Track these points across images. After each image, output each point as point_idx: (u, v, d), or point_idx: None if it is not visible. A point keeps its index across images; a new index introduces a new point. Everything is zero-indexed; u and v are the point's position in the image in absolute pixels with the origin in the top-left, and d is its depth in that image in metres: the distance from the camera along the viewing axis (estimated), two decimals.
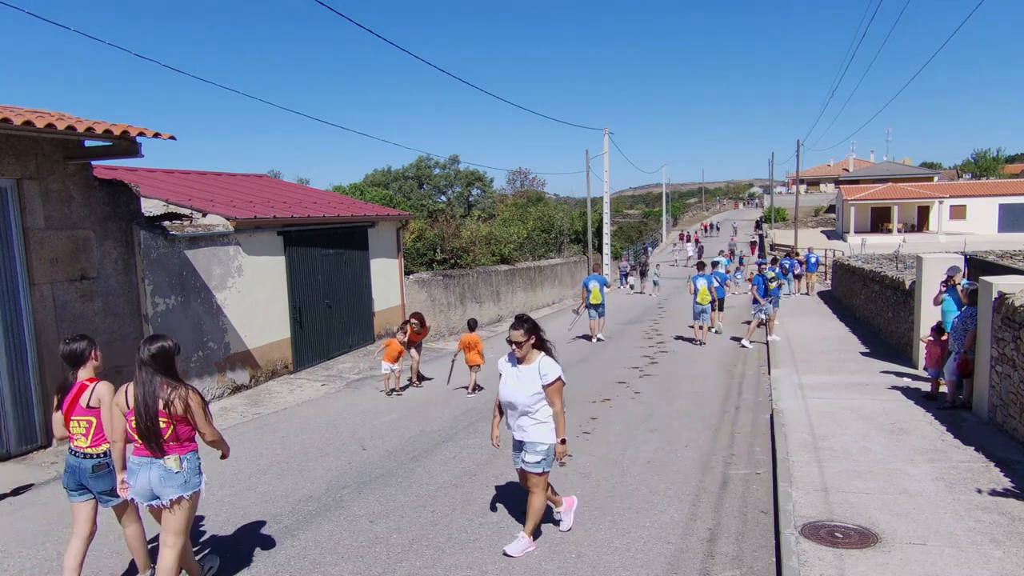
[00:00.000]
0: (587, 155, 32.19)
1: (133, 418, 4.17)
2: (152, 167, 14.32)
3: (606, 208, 32.43)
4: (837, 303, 21.65)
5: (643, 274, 31.73)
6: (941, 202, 44.89)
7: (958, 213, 45.99)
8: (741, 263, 34.47)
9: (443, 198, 46.14)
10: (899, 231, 45.01)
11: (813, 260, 26.84)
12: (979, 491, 5.92)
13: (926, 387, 9.62)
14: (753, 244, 48.56)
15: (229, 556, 5.28)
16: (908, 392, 9.63)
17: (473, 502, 6.28)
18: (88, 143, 8.57)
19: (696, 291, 15.01)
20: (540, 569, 4.98)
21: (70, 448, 4.52)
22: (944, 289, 9.80)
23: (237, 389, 11.25)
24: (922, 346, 10.49)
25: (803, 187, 67.51)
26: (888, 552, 4.88)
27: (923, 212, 47.31)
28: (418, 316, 11.68)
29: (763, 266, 16.16)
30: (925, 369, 9.94)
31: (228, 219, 11.29)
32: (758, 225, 63.80)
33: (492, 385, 11.29)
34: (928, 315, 10.76)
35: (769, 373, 11.52)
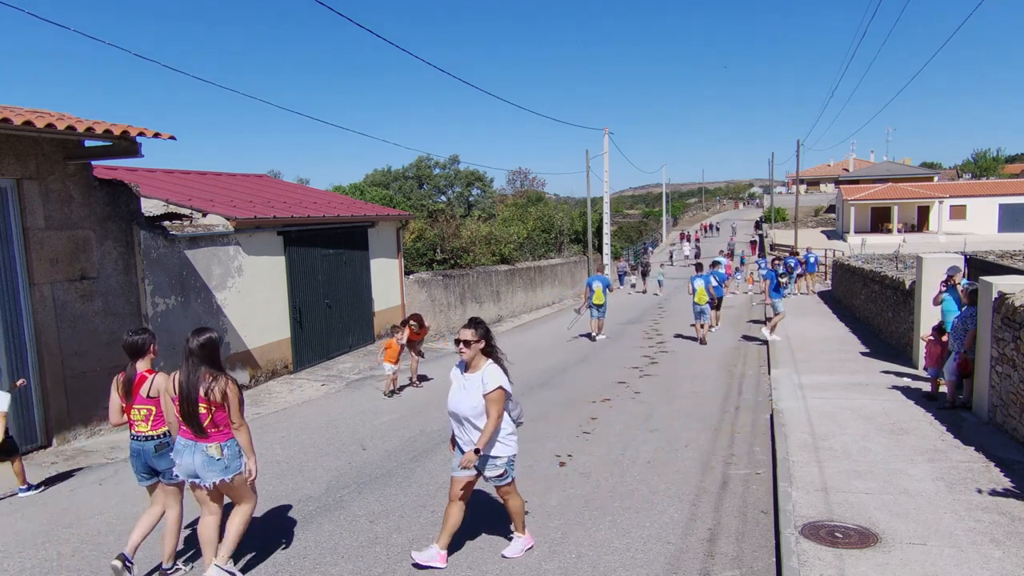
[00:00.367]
0: (587, 155, 32.21)
1: (177, 402, 4.59)
2: (152, 167, 14.33)
3: (606, 208, 32.43)
4: (837, 303, 21.64)
5: (644, 273, 31.77)
6: (941, 202, 44.89)
7: (958, 213, 45.99)
8: (741, 263, 34.48)
9: (443, 198, 46.14)
10: (899, 231, 45.01)
11: (812, 260, 26.84)
12: (979, 491, 5.92)
13: (926, 387, 9.62)
14: (753, 244, 48.57)
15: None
16: (908, 392, 9.63)
17: (473, 502, 6.27)
18: (88, 143, 8.57)
19: (694, 291, 15.29)
20: (540, 569, 4.98)
21: (132, 434, 4.95)
22: (944, 289, 9.80)
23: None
24: (922, 346, 10.49)
25: (803, 187, 67.51)
26: (888, 552, 4.88)
27: (923, 212, 47.31)
28: (417, 317, 11.68)
29: (776, 262, 16.25)
30: (925, 369, 9.94)
31: (228, 219, 11.29)
32: (758, 225, 63.81)
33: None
34: (928, 315, 10.76)
35: (769, 373, 11.52)
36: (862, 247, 38.10)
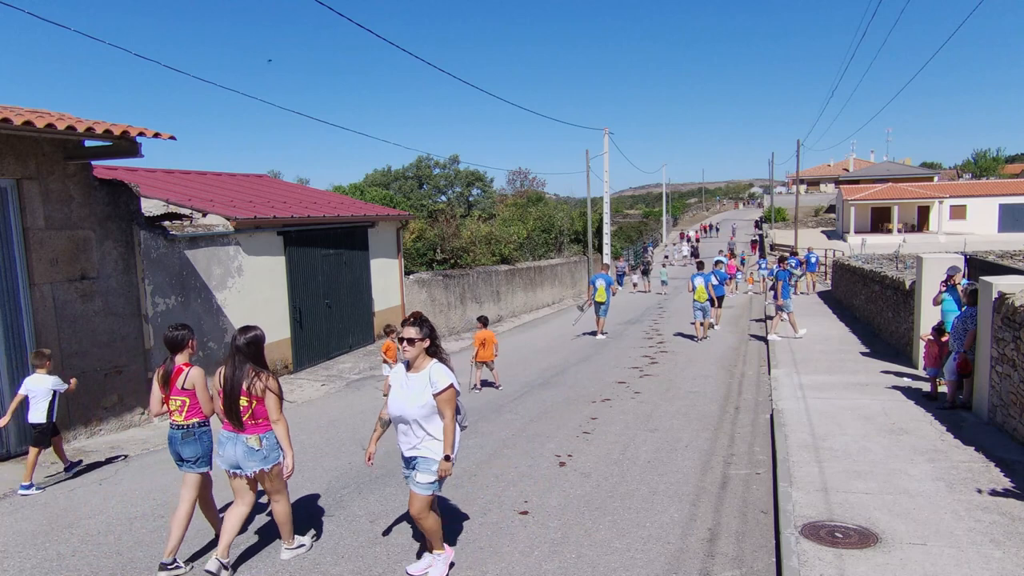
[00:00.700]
0: (587, 155, 32.20)
1: (222, 396, 4.88)
2: (152, 167, 14.34)
3: (606, 208, 32.43)
4: (837, 303, 21.64)
5: (645, 273, 31.81)
6: (941, 202, 44.90)
7: (958, 213, 46.00)
8: (741, 263, 34.47)
9: (443, 198, 46.13)
10: (899, 231, 45.02)
11: (813, 260, 26.85)
12: (979, 491, 5.92)
13: (926, 387, 9.62)
14: (754, 243, 48.57)
15: (229, 554, 5.27)
16: (908, 392, 9.63)
17: (473, 502, 6.28)
18: (88, 143, 8.57)
19: (694, 289, 15.56)
20: (540, 569, 4.98)
21: (170, 423, 5.21)
22: (944, 289, 9.80)
23: None
24: (922, 346, 10.49)
25: (803, 187, 67.52)
26: (888, 552, 4.88)
27: (923, 212, 47.32)
28: (417, 316, 11.68)
29: (785, 262, 16.50)
30: (925, 369, 9.94)
31: (228, 219, 11.30)
32: (758, 225, 63.82)
33: (501, 385, 11.29)
34: (928, 315, 10.76)
35: (769, 373, 11.52)
36: (862, 247, 38.11)
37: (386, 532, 5.62)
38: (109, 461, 7.89)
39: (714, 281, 16.21)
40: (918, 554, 4.84)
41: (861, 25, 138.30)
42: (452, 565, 4.99)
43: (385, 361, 11.01)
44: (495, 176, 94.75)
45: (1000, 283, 8.04)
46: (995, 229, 44.73)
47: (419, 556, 5.06)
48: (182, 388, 5.14)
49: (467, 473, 7.10)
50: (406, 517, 5.98)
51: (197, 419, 5.16)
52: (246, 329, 5.02)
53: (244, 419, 4.85)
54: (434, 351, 4.73)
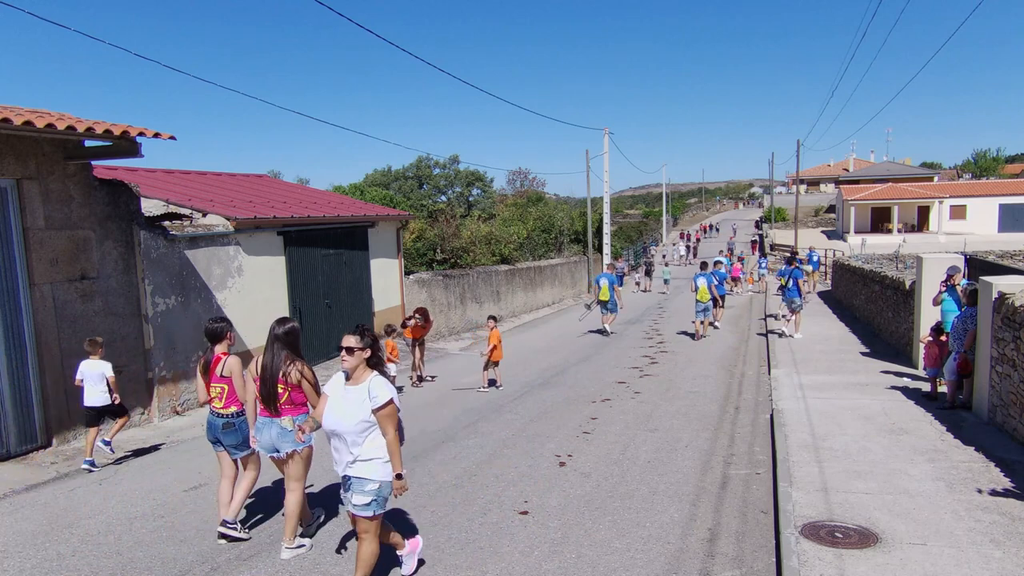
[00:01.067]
0: (587, 155, 32.19)
1: (259, 383, 5.13)
2: (152, 167, 14.33)
3: (606, 208, 32.43)
4: (837, 303, 21.64)
5: (647, 272, 31.85)
6: (941, 202, 44.89)
7: (958, 213, 45.99)
8: (740, 262, 34.45)
9: (443, 198, 46.10)
10: (899, 231, 45.01)
11: (815, 259, 26.87)
12: (979, 491, 5.92)
13: (926, 387, 9.62)
14: (754, 243, 48.55)
15: (229, 555, 5.28)
16: (908, 392, 9.63)
17: (473, 502, 6.28)
18: (88, 143, 8.57)
19: (696, 289, 15.86)
20: (540, 569, 4.98)
21: (210, 409, 5.54)
22: (944, 289, 9.81)
23: None
24: (922, 347, 10.49)
25: (803, 187, 67.51)
26: (888, 552, 4.88)
27: (923, 212, 47.31)
28: (422, 311, 11.68)
29: (795, 261, 16.73)
30: (924, 369, 9.95)
31: (228, 219, 11.29)
32: (758, 225, 63.83)
33: (502, 384, 11.29)
34: (928, 315, 10.76)
35: (769, 373, 11.52)
36: (862, 247, 38.10)
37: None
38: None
39: (714, 281, 16.57)
40: (918, 554, 4.84)
41: (861, 25, 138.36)
42: (421, 563, 4.98)
43: (390, 360, 11.03)
44: (495, 176, 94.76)
45: (1000, 283, 8.05)
46: (995, 229, 44.72)
47: (401, 563, 4.94)
48: (220, 376, 5.50)
49: (467, 473, 7.10)
50: (401, 521, 5.98)
51: (235, 408, 5.49)
52: (284, 320, 5.30)
53: (280, 404, 5.13)
54: (375, 363, 4.42)
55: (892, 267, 20.61)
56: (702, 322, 15.93)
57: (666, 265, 32.78)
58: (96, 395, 7.49)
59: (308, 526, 5.59)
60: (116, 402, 7.63)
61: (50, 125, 7.25)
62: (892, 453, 7.02)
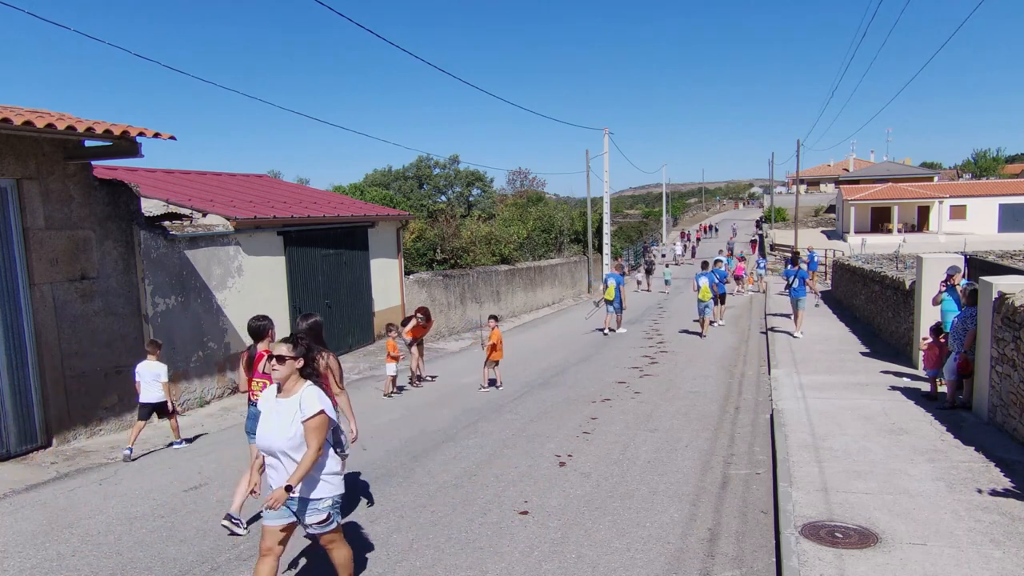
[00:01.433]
0: (587, 155, 32.20)
1: None
2: (152, 167, 14.34)
3: (606, 208, 32.43)
4: (837, 303, 21.64)
5: (648, 272, 31.88)
6: (941, 202, 44.90)
7: (958, 213, 45.99)
8: (743, 261, 34.43)
9: (443, 198, 46.11)
10: (899, 231, 45.01)
11: (815, 259, 26.88)
12: (979, 491, 5.92)
13: (926, 387, 9.62)
14: (753, 243, 48.56)
15: (229, 555, 5.28)
16: (908, 392, 9.63)
17: (473, 502, 6.28)
18: (88, 143, 8.57)
19: (698, 288, 16.14)
20: (540, 569, 4.98)
21: (250, 402, 5.87)
22: (944, 289, 9.81)
23: (237, 389, 11.25)
24: (921, 349, 10.49)
25: (803, 187, 67.51)
26: (888, 552, 4.88)
27: (923, 212, 47.31)
28: (424, 310, 11.69)
29: (799, 261, 16.95)
30: (924, 370, 9.95)
31: (228, 219, 11.30)
32: (758, 225, 63.85)
33: (502, 384, 11.29)
34: (928, 315, 10.76)
35: (769, 373, 11.52)
36: (862, 247, 38.11)
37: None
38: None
39: (715, 280, 16.91)
40: (918, 554, 4.84)
41: (861, 25, 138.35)
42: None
43: (391, 358, 11.04)
44: (495, 176, 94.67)
45: (1000, 283, 8.04)
46: (995, 229, 44.73)
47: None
48: (263, 372, 5.73)
49: (467, 473, 7.10)
50: (405, 517, 5.98)
51: None
52: (308, 315, 5.69)
53: None
54: (309, 373, 4.17)
55: (892, 267, 20.61)
56: (704, 321, 16.29)
57: (667, 265, 32.83)
58: (151, 393, 8.00)
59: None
60: (168, 404, 8.17)
61: (50, 125, 7.25)
62: (892, 453, 7.02)
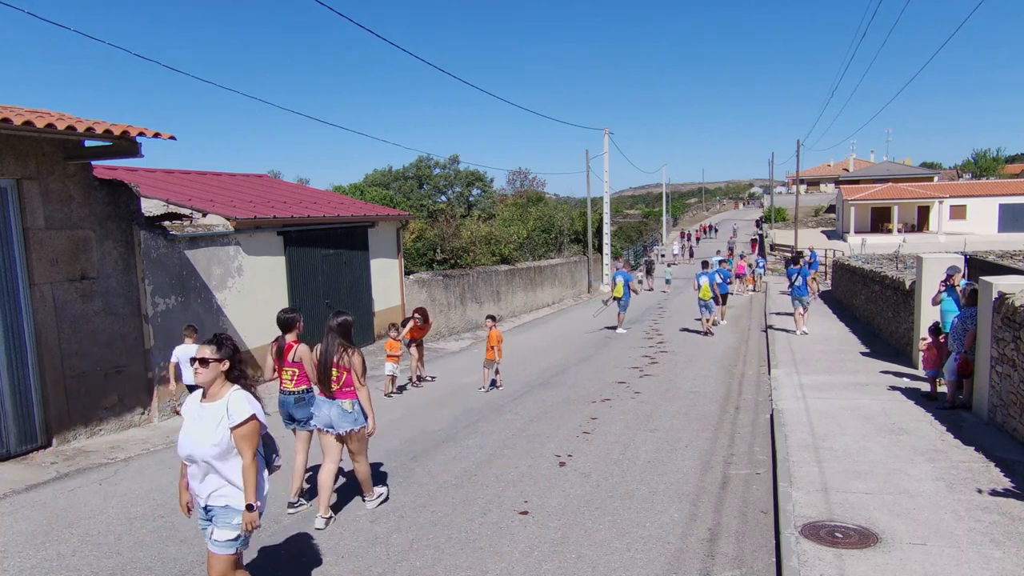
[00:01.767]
0: (587, 155, 32.20)
1: (316, 367, 5.80)
2: (152, 167, 14.33)
3: (606, 208, 32.43)
4: (837, 303, 21.64)
5: (648, 271, 31.89)
6: (941, 202, 44.88)
7: (958, 213, 45.97)
8: (743, 260, 34.42)
9: (443, 198, 46.09)
10: (899, 231, 44.99)
11: (815, 261, 26.87)
12: (979, 491, 5.92)
13: (926, 387, 9.62)
14: (754, 242, 48.56)
15: None
16: (908, 392, 9.63)
17: (473, 502, 6.28)
18: (88, 143, 8.57)
19: (699, 287, 16.33)
20: (540, 569, 4.98)
21: (281, 390, 6.27)
22: (943, 289, 9.81)
23: None
24: (921, 351, 10.49)
25: (803, 187, 67.50)
26: (888, 552, 4.88)
27: (923, 212, 47.30)
28: (422, 311, 11.69)
29: (800, 261, 17.13)
30: (924, 371, 9.95)
31: (228, 219, 11.29)
32: (758, 225, 63.85)
33: (502, 384, 11.29)
34: (928, 315, 10.76)
35: (769, 373, 11.53)
36: (862, 247, 38.09)
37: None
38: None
39: (718, 279, 17.13)
40: (918, 554, 4.84)
41: (861, 25, 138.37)
42: None
43: (391, 358, 11.05)
44: (495, 176, 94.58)
45: (1000, 283, 8.04)
46: (995, 229, 44.70)
47: None
48: (292, 361, 6.16)
49: (467, 473, 7.10)
50: (406, 517, 5.98)
51: (305, 386, 6.18)
52: (339, 313, 6.02)
53: (334, 387, 5.74)
54: (237, 376, 3.89)
55: (892, 267, 20.62)
56: (706, 319, 16.48)
57: (668, 265, 32.88)
58: (191, 374, 8.27)
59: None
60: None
61: (50, 125, 7.25)
62: (892, 453, 7.02)
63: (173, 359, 8.80)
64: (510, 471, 7.11)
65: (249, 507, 3.77)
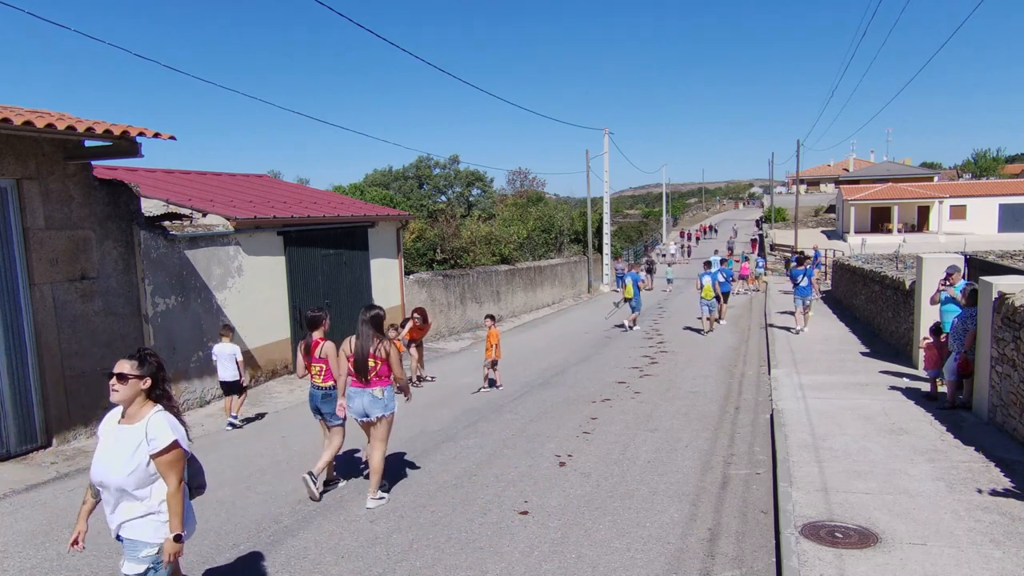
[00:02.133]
0: (587, 155, 32.20)
1: (352, 359, 6.11)
2: (152, 167, 14.33)
3: (606, 208, 32.43)
4: (837, 303, 21.64)
5: (649, 271, 31.90)
6: (941, 202, 44.86)
7: (958, 213, 45.95)
8: (746, 260, 34.43)
9: (443, 198, 46.06)
10: (899, 231, 44.97)
11: (818, 262, 26.91)
12: (979, 491, 5.92)
13: (926, 387, 9.62)
14: (754, 242, 48.56)
15: (229, 555, 5.28)
16: (908, 392, 9.63)
17: (473, 502, 6.28)
18: (88, 143, 8.57)
19: (701, 287, 16.63)
20: (540, 569, 4.98)
21: (311, 384, 6.60)
22: (942, 288, 9.80)
23: None
24: (921, 350, 10.49)
25: (803, 187, 67.48)
26: (888, 552, 4.88)
27: (923, 212, 47.28)
28: (421, 311, 11.68)
29: (805, 261, 17.31)
30: (924, 370, 9.95)
31: (228, 219, 11.29)
32: (758, 225, 63.84)
33: (502, 384, 11.28)
34: (928, 315, 10.76)
35: (769, 373, 11.52)
36: (862, 247, 38.07)
37: None
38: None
39: (720, 279, 17.45)
40: (918, 554, 4.84)
41: (861, 25, 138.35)
42: None
43: None
44: (495, 176, 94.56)
45: (1000, 283, 8.04)
46: (995, 229, 44.67)
47: None
48: (319, 357, 6.50)
49: (467, 473, 7.10)
50: (406, 517, 5.98)
51: (331, 383, 6.46)
52: (370, 307, 6.32)
53: (371, 376, 6.07)
54: (159, 395, 3.52)
55: (892, 267, 20.60)
56: (708, 318, 16.71)
57: (669, 265, 32.92)
58: (227, 371, 9.10)
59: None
60: (243, 382, 9.24)
61: (50, 125, 7.25)
62: (892, 453, 7.01)
63: (213, 356, 9.27)
64: (510, 471, 7.11)
65: (178, 537, 3.45)
